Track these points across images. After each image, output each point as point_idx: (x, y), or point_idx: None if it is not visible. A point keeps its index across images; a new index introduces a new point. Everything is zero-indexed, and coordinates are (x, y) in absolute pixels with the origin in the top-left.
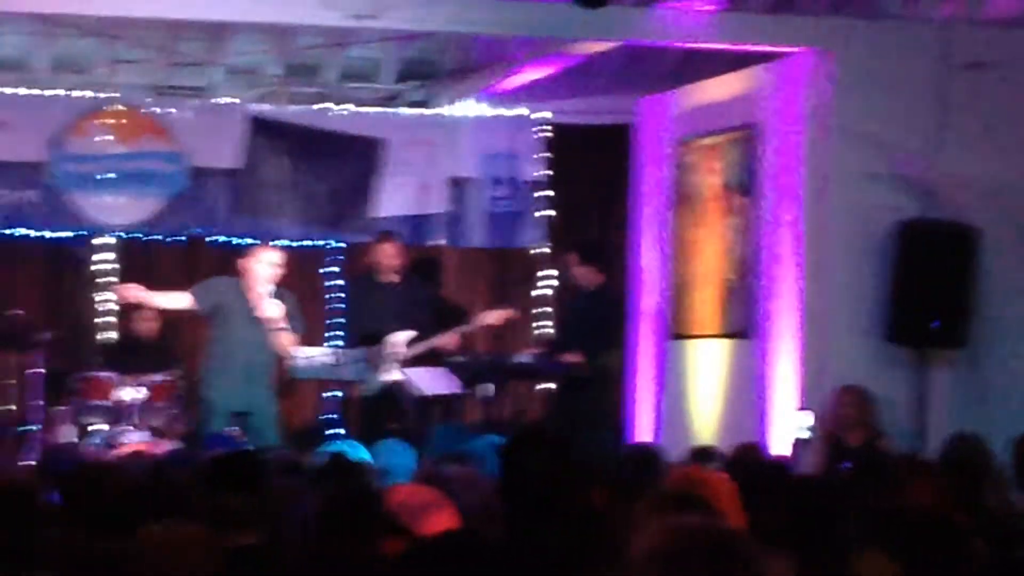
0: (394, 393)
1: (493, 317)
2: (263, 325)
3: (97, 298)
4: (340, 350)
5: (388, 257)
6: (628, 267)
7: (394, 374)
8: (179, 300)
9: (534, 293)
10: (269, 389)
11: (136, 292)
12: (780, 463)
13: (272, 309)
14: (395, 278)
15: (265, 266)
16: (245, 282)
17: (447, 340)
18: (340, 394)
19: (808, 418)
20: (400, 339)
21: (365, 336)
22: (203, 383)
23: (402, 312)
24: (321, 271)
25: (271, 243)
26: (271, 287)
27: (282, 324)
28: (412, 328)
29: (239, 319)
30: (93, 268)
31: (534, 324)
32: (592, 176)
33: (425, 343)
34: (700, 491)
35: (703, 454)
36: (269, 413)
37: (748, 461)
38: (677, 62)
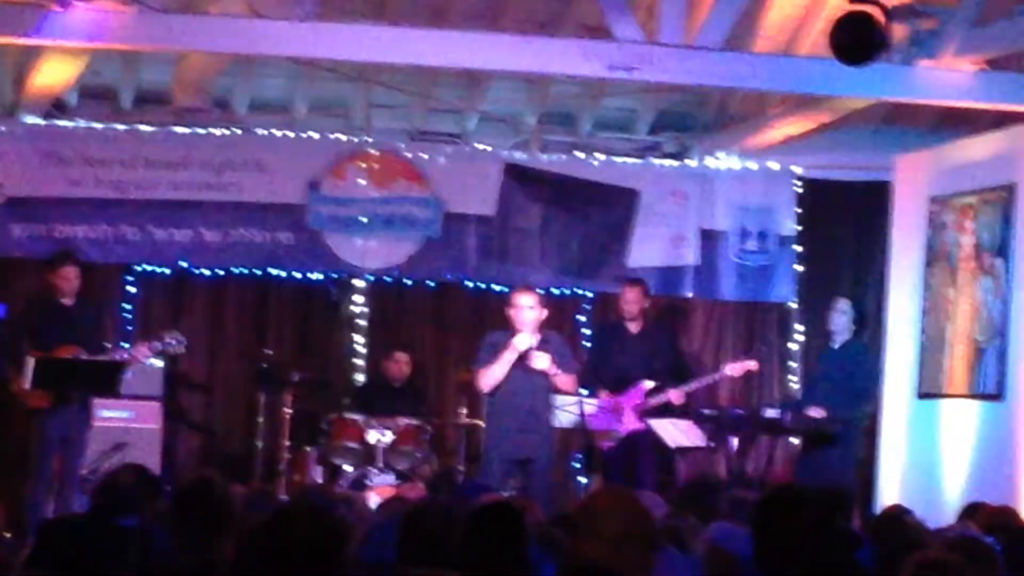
0: (637, 443)
1: (733, 369)
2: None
3: (347, 340)
4: (587, 398)
5: (627, 303)
6: (880, 324)
7: (636, 424)
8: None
9: (783, 347)
10: (549, 436)
11: None
12: None
13: (540, 361)
14: (638, 326)
15: (523, 310)
16: (511, 332)
17: (677, 396)
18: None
19: None
20: (642, 388)
21: (608, 384)
22: (483, 432)
23: (644, 361)
24: (575, 319)
25: (530, 287)
26: (535, 332)
27: (554, 369)
28: (652, 378)
29: (513, 369)
30: (345, 310)
31: (783, 378)
32: (846, 232)
33: (661, 395)
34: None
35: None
36: (549, 460)
37: (1005, 525)
38: (936, 120)
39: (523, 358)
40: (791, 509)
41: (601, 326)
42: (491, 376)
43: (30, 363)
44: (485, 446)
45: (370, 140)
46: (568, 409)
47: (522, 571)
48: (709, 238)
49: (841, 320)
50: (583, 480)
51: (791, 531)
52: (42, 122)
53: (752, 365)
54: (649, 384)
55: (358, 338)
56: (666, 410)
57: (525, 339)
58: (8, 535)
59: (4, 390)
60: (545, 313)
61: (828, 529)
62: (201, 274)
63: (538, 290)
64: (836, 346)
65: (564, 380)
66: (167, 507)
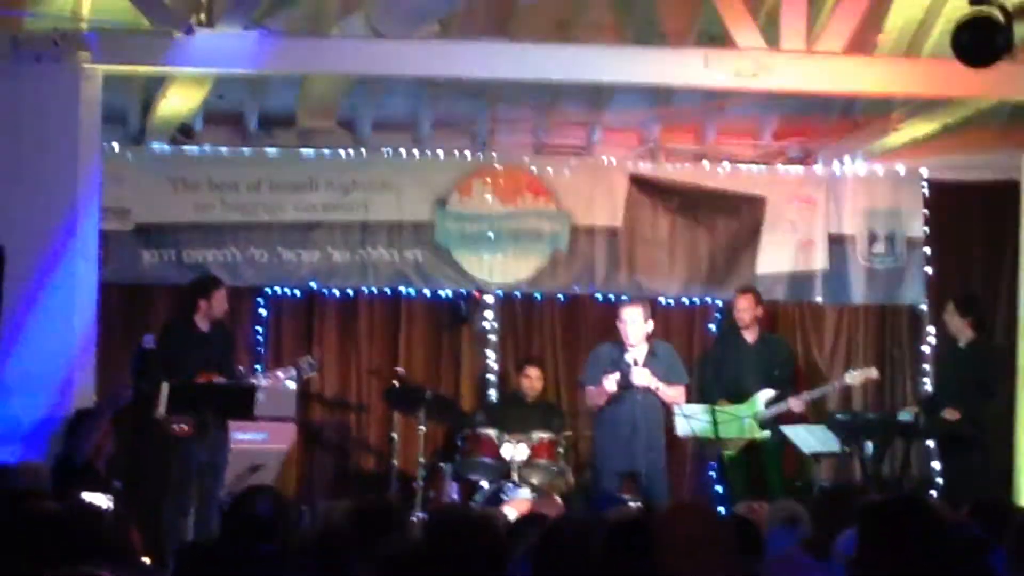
0: (760, 451)
1: (854, 378)
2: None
3: (479, 356)
4: (717, 407)
5: (739, 311)
6: (1014, 324)
7: (761, 432)
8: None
9: (915, 350)
10: (658, 448)
11: None
12: None
13: (640, 376)
14: (753, 335)
15: (627, 324)
16: (619, 344)
17: (797, 405)
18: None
19: None
20: (761, 397)
21: (726, 393)
22: (593, 445)
23: (761, 370)
24: (706, 327)
25: (639, 299)
26: (643, 343)
27: (655, 383)
28: (771, 387)
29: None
30: (476, 326)
31: (916, 381)
32: (975, 232)
33: (782, 404)
34: None
35: None
36: (658, 472)
37: None
38: None
39: (625, 375)
40: (890, 516)
41: (718, 335)
42: (596, 398)
43: (164, 389)
44: (595, 460)
45: (495, 155)
46: (696, 416)
47: None
48: (837, 242)
49: (952, 322)
50: (719, 489)
51: (889, 537)
52: (169, 148)
53: (873, 374)
54: (769, 393)
55: (489, 353)
56: (787, 419)
57: (612, 383)
58: (148, 561)
59: (149, 417)
60: (651, 325)
61: (936, 534)
62: (331, 294)
63: (669, 301)
64: (961, 345)
65: (670, 394)
66: (307, 533)
